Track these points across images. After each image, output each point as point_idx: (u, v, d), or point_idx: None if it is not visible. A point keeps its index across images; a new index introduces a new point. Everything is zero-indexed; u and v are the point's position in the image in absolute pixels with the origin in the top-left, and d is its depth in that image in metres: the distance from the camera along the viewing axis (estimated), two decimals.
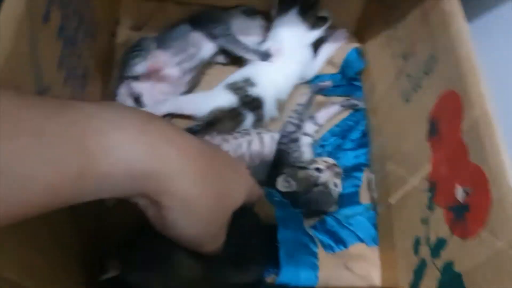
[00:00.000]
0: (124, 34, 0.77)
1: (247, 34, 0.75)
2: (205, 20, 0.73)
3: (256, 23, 0.76)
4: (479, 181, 0.42)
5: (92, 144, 0.30)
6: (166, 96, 0.70)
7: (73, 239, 0.50)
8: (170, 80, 0.70)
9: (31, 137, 0.27)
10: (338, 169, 0.64)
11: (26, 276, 0.37)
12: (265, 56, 0.72)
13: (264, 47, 0.73)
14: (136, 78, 0.69)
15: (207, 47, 0.74)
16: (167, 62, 0.70)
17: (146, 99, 0.69)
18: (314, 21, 0.73)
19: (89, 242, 0.55)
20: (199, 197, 0.37)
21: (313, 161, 0.65)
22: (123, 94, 0.71)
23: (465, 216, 0.44)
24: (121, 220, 0.56)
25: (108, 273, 0.45)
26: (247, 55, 0.73)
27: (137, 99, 0.71)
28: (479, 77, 0.47)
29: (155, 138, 0.34)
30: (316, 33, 0.74)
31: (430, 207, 0.51)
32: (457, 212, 0.46)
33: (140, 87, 0.69)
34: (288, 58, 0.72)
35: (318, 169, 0.63)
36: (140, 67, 0.68)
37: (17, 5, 0.40)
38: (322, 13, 0.74)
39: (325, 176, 0.63)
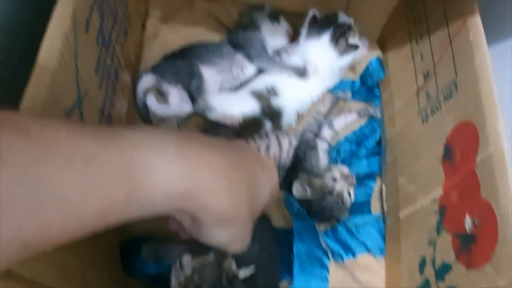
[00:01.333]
0: (153, 26, 0.79)
1: (273, 37, 0.76)
2: (243, 41, 0.75)
3: (282, 28, 0.78)
4: (488, 217, 0.45)
5: (136, 170, 0.33)
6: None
7: (101, 238, 0.53)
8: None
9: (84, 166, 0.29)
10: (352, 179, 0.67)
11: (61, 279, 0.39)
12: (302, 73, 0.74)
13: (297, 62, 0.75)
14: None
15: (250, 69, 0.76)
16: (210, 80, 0.72)
17: (172, 99, 0.71)
18: (345, 47, 0.74)
19: (113, 240, 0.58)
20: (231, 210, 0.40)
21: (329, 169, 0.67)
22: (146, 81, 0.71)
23: (471, 247, 0.47)
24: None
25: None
26: (283, 72, 0.74)
27: (161, 93, 0.72)
28: (497, 114, 0.48)
29: (189, 160, 0.37)
30: (346, 60, 0.75)
31: (438, 230, 0.54)
32: (464, 240, 0.48)
33: (170, 88, 0.71)
34: (318, 78, 0.74)
35: (333, 178, 0.66)
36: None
37: (64, 19, 0.42)
38: (353, 41, 0.75)
39: (340, 186, 0.65)
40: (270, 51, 0.76)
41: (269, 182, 0.47)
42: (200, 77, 0.70)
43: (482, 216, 0.46)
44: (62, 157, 0.29)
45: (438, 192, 0.56)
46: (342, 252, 0.65)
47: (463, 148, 0.53)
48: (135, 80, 0.73)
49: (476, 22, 0.56)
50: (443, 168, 0.56)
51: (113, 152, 0.32)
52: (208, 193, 0.38)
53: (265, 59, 0.74)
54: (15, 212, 0.26)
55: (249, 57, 0.75)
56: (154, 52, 0.77)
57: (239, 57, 0.75)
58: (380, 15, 0.83)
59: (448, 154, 0.56)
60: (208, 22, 0.82)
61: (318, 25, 0.74)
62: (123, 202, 0.32)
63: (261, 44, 0.75)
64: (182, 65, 0.72)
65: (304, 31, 0.76)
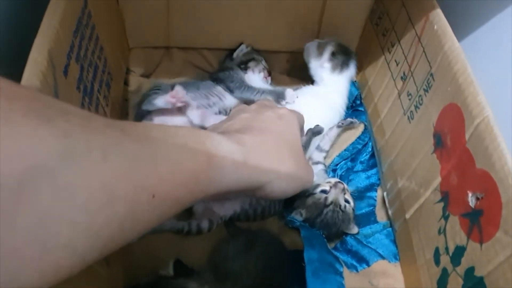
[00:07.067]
0: (135, 81, 0.81)
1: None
2: (223, 77, 0.78)
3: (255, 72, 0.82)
4: (489, 185, 0.44)
5: (208, 144, 0.41)
6: None
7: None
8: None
9: (173, 139, 0.38)
10: (342, 185, 0.66)
11: None
12: (280, 96, 0.75)
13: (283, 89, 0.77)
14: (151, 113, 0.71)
15: (229, 99, 0.78)
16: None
17: None
18: (341, 64, 0.79)
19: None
20: (278, 164, 0.49)
21: (317, 185, 0.67)
22: None
23: (480, 221, 0.46)
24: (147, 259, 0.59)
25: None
26: (262, 97, 0.75)
27: None
28: (476, 88, 0.49)
29: (233, 138, 0.46)
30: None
31: (445, 217, 0.53)
32: (472, 218, 0.47)
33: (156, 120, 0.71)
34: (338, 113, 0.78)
35: (323, 191, 0.65)
36: (159, 101, 0.69)
37: (41, 60, 0.44)
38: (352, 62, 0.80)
39: (332, 195, 0.64)
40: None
41: (291, 125, 0.55)
42: None
43: (483, 186, 0.46)
44: (159, 136, 0.36)
45: (437, 181, 0.55)
46: (355, 263, 0.62)
47: (452, 130, 0.53)
48: None
49: (438, 14, 0.59)
50: (437, 156, 0.56)
51: (188, 131, 0.42)
52: (258, 159, 0.46)
53: (244, 88, 0.76)
54: (144, 167, 0.32)
55: (230, 90, 0.77)
56: None
57: (219, 89, 0.77)
58: (351, 38, 0.86)
59: (439, 142, 0.56)
60: (188, 70, 0.84)
61: (341, 58, 0.79)
62: (206, 168, 0.39)
63: (240, 78, 0.78)
64: None
65: (327, 65, 0.79)
